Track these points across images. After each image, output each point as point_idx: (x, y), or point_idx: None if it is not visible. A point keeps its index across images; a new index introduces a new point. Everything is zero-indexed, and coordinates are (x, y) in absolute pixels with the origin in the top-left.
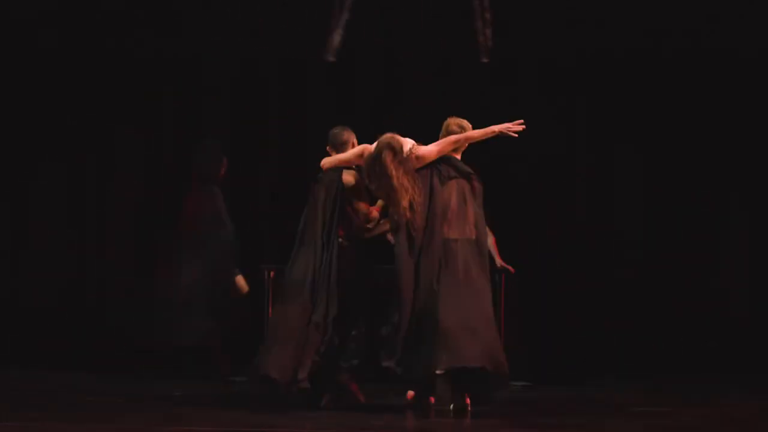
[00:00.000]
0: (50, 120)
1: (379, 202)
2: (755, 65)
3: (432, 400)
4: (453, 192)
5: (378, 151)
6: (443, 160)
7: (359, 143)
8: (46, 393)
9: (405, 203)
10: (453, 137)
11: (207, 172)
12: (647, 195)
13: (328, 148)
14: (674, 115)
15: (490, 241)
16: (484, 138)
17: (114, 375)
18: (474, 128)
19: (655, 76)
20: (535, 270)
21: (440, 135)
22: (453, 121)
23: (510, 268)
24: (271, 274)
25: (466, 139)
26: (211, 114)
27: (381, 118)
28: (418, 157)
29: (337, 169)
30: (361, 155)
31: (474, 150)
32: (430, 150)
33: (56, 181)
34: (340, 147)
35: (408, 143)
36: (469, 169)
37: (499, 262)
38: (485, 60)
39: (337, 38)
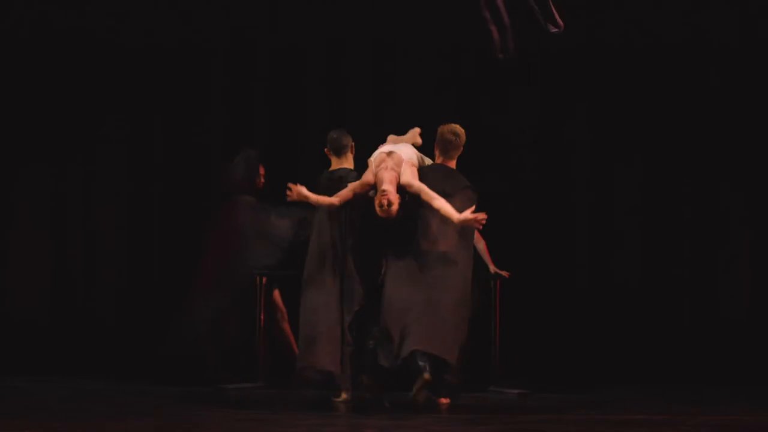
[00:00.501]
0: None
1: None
2: (756, 65)
3: (444, 401)
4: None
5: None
6: (441, 174)
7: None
8: (37, 401)
9: None
10: (432, 195)
11: (240, 183)
12: (646, 195)
13: (326, 150)
14: (673, 114)
15: (481, 246)
16: (443, 211)
17: (109, 383)
18: (466, 132)
19: (654, 76)
20: (532, 274)
21: (435, 142)
22: (447, 129)
23: (504, 273)
24: (263, 279)
25: (433, 198)
26: (207, 114)
27: (380, 119)
28: (406, 185)
29: (341, 179)
30: (363, 185)
31: (472, 152)
32: (414, 189)
33: (42, 183)
34: (341, 151)
35: (405, 153)
36: (465, 182)
37: (492, 268)
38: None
39: (507, 36)
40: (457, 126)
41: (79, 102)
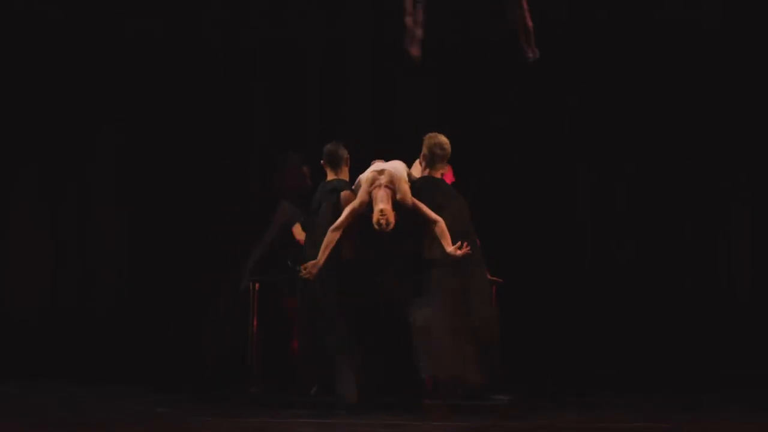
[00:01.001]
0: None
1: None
2: (759, 58)
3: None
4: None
5: None
6: (430, 187)
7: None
8: (36, 402)
9: None
10: (431, 217)
11: (281, 188)
12: (646, 196)
13: (322, 163)
14: (672, 108)
15: None
16: (439, 236)
17: (108, 384)
18: (466, 133)
19: (653, 61)
20: (529, 278)
21: (421, 154)
22: (433, 143)
23: (498, 279)
24: (257, 285)
25: (433, 221)
26: (207, 114)
27: (380, 120)
28: (402, 203)
29: (334, 190)
30: (361, 204)
31: (469, 154)
32: (411, 207)
33: (42, 183)
34: (337, 163)
35: (397, 170)
36: (453, 192)
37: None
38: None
39: (531, 38)
40: (443, 137)
41: (80, 102)
